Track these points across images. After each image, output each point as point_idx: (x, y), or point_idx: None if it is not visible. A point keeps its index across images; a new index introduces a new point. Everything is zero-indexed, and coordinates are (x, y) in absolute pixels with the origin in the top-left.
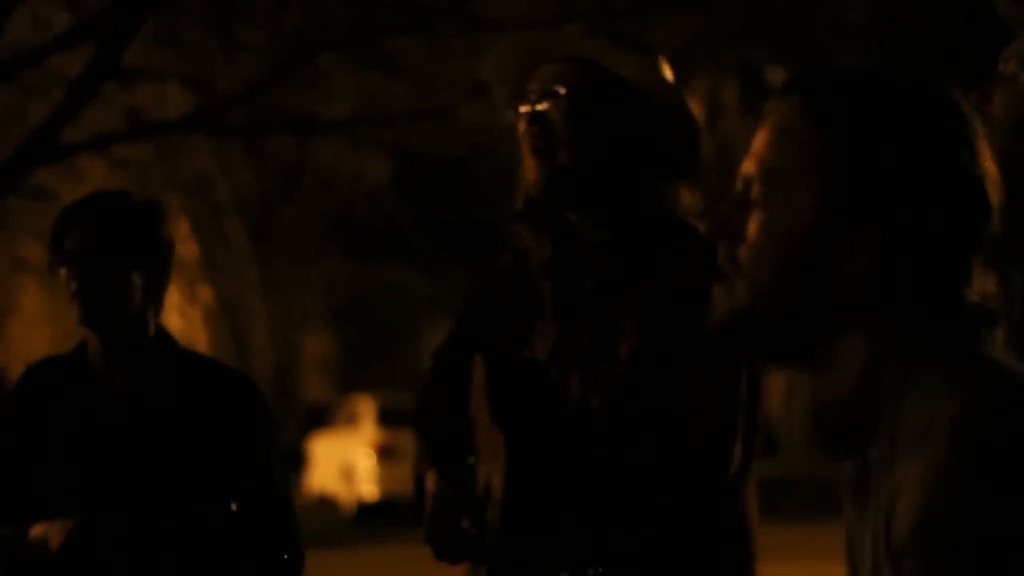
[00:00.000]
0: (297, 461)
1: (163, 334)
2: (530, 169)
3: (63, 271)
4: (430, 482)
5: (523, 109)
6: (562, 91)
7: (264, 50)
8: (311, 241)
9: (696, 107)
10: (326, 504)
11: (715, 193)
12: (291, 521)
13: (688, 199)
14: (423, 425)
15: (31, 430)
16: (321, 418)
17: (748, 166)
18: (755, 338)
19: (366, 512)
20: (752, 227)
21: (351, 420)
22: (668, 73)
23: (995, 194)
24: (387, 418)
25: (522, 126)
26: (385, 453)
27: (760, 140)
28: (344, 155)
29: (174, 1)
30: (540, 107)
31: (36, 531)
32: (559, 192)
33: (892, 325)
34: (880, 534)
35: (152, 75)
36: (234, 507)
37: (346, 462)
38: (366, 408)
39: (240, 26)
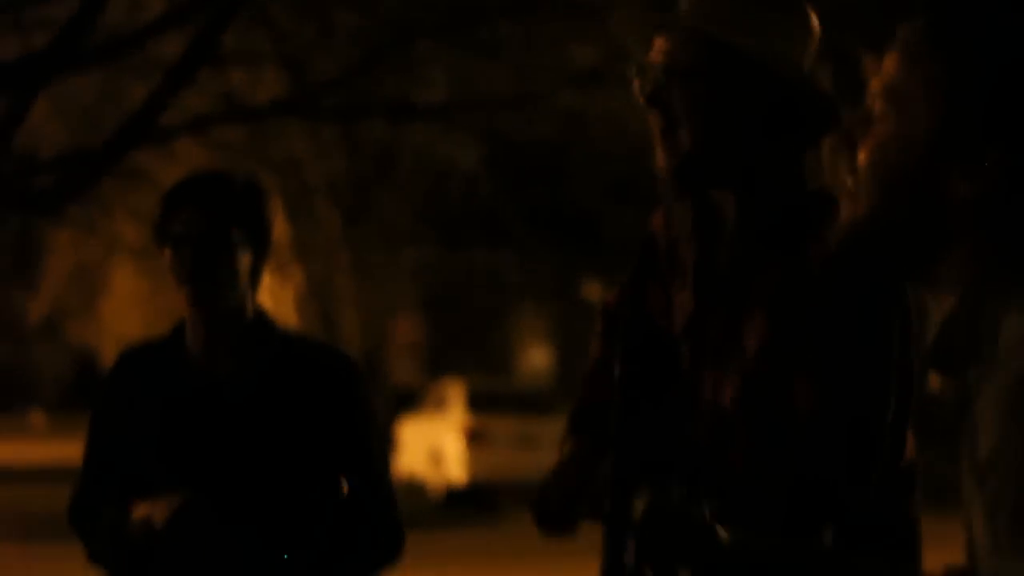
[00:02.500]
0: (386, 445)
1: (262, 315)
2: (658, 155)
3: (169, 252)
4: (565, 448)
5: (638, 86)
6: (675, 80)
7: (360, 34)
8: (403, 225)
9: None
10: (414, 488)
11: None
12: (393, 503)
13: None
14: (582, 385)
15: (130, 414)
16: (410, 402)
17: (875, 83)
18: (871, 250)
19: (454, 497)
20: (871, 140)
21: (441, 404)
22: (815, 24)
23: None
24: (477, 402)
25: (641, 99)
26: (474, 437)
27: (887, 61)
28: (438, 139)
29: None
30: (656, 87)
31: (140, 510)
32: (683, 174)
33: (998, 247)
34: (971, 453)
35: (248, 59)
36: (344, 488)
37: (435, 446)
38: (456, 392)
39: (336, 10)
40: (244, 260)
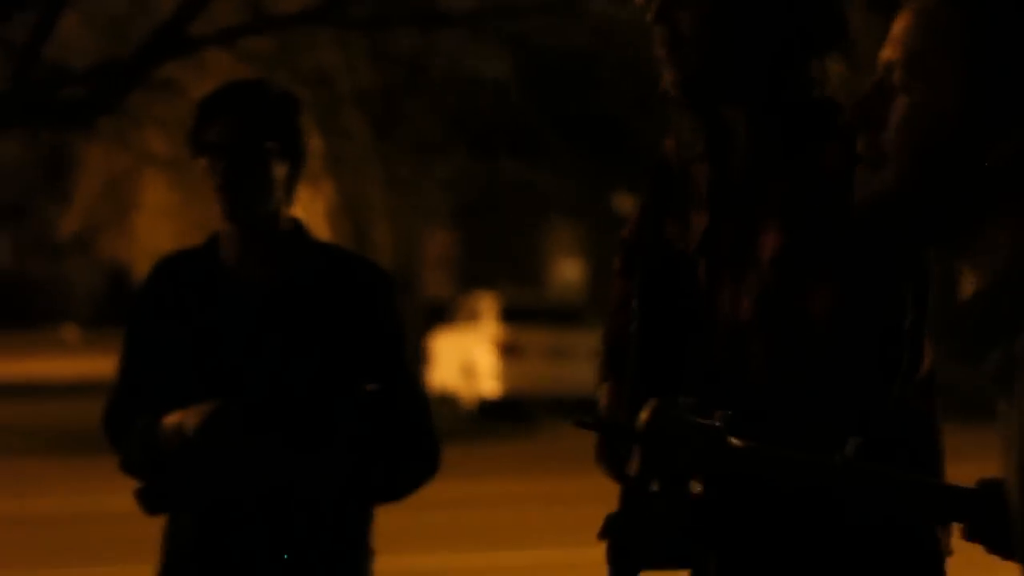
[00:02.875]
0: (418, 358)
1: (298, 225)
2: (666, 71)
3: (204, 162)
4: (602, 394)
5: (647, 3)
6: None
7: None
8: (433, 136)
9: None
10: (447, 401)
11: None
12: (428, 412)
13: (839, 74)
14: (607, 323)
15: (165, 324)
16: (442, 315)
17: (889, 52)
18: (902, 222)
19: (487, 409)
20: (896, 112)
21: (473, 317)
22: None
23: None
24: (509, 315)
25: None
26: (507, 350)
27: (901, 25)
28: (467, 48)
29: None
30: (663, 4)
31: (171, 418)
32: (692, 91)
33: None
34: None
35: None
36: (369, 388)
37: (468, 359)
38: (488, 305)
39: None
40: (279, 171)
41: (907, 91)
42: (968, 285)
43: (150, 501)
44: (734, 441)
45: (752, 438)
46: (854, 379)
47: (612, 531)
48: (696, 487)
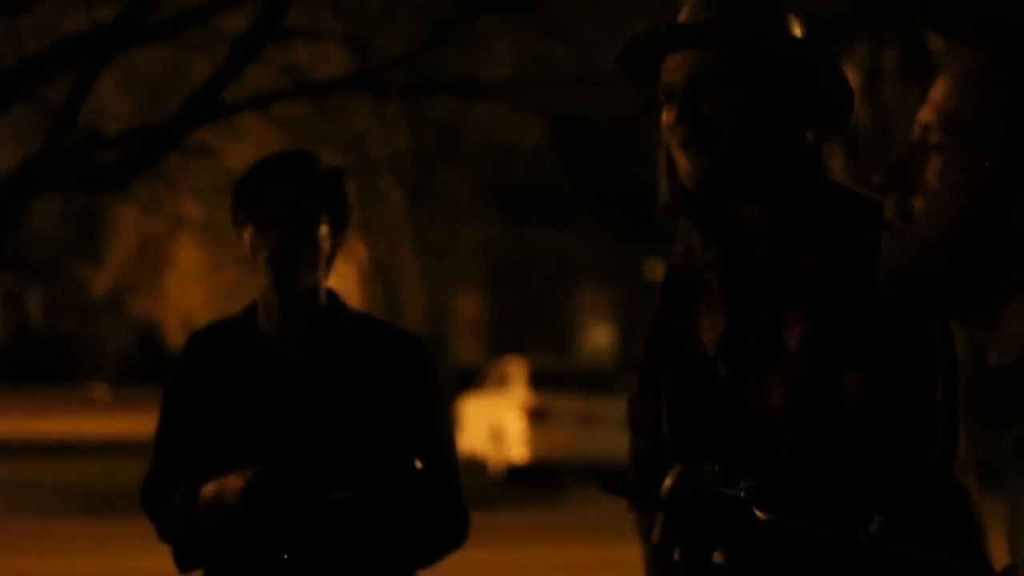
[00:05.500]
0: (452, 425)
1: (334, 297)
2: (683, 165)
3: (251, 232)
4: (634, 520)
5: (668, 108)
6: (703, 89)
7: (424, 10)
8: (466, 202)
9: (854, 75)
10: (475, 466)
11: (875, 163)
12: (458, 482)
13: (838, 162)
14: (632, 444)
15: (202, 395)
16: (472, 380)
17: (926, 113)
18: (927, 290)
19: (516, 474)
20: (931, 174)
21: (502, 382)
22: (796, 30)
23: None
24: (539, 380)
25: (667, 122)
26: (536, 416)
27: (940, 88)
28: (502, 116)
29: None
30: (685, 102)
31: (210, 486)
32: (716, 182)
33: None
34: None
35: (312, 35)
36: (418, 465)
37: (496, 424)
38: (518, 370)
39: None
40: (326, 243)
41: (945, 153)
42: (991, 359)
43: (186, 560)
44: (758, 513)
45: (778, 512)
46: (888, 455)
47: None
48: (719, 557)
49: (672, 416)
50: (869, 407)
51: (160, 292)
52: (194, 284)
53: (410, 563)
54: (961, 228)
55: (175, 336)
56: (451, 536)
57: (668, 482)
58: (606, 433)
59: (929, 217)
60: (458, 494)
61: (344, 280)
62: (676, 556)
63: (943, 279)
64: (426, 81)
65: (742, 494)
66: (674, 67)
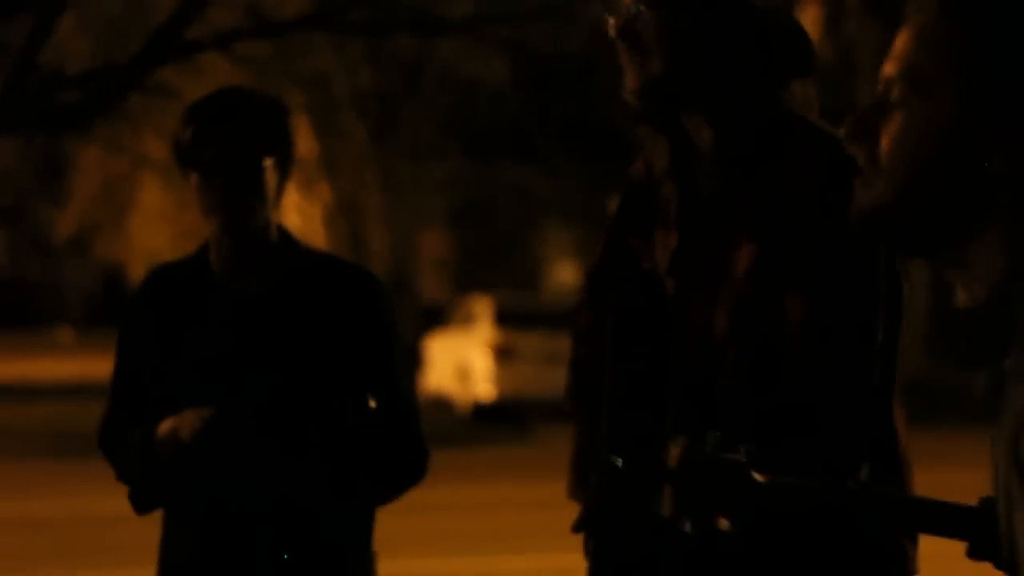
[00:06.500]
0: (413, 361)
1: (285, 233)
2: (628, 78)
3: (197, 178)
4: (574, 429)
5: (611, 22)
6: (643, 7)
7: None
8: (430, 140)
9: (816, 9)
10: (442, 404)
11: (838, 98)
12: (417, 420)
13: (805, 94)
14: (573, 352)
15: (157, 334)
16: (438, 318)
17: (889, 68)
18: (895, 233)
19: (482, 412)
20: (893, 126)
21: (468, 320)
22: None
23: None
24: (505, 318)
25: (610, 35)
26: (502, 353)
27: (901, 41)
28: (464, 53)
29: None
30: (626, 19)
31: (165, 424)
32: (654, 100)
33: None
34: (1010, 446)
35: None
36: (371, 403)
37: (463, 362)
38: (484, 308)
39: None
40: (272, 181)
41: (905, 106)
42: (961, 299)
43: (142, 502)
44: (757, 476)
45: (764, 466)
46: (822, 387)
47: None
48: (724, 524)
49: (616, 328)
50: (808, 336)
51: (124, 234)
52: (158, 225)
53: (369, 499)
54: (925, 175)
55: (140, 278)
56: (409, 473)
57: (675, 455)
58: None
59: (894, 165)
60: (416, 430)
61: (309, 219)
62: (687, 528)
63: (908, 222)
64: (388, 18)
65: (744, 459)
66: None
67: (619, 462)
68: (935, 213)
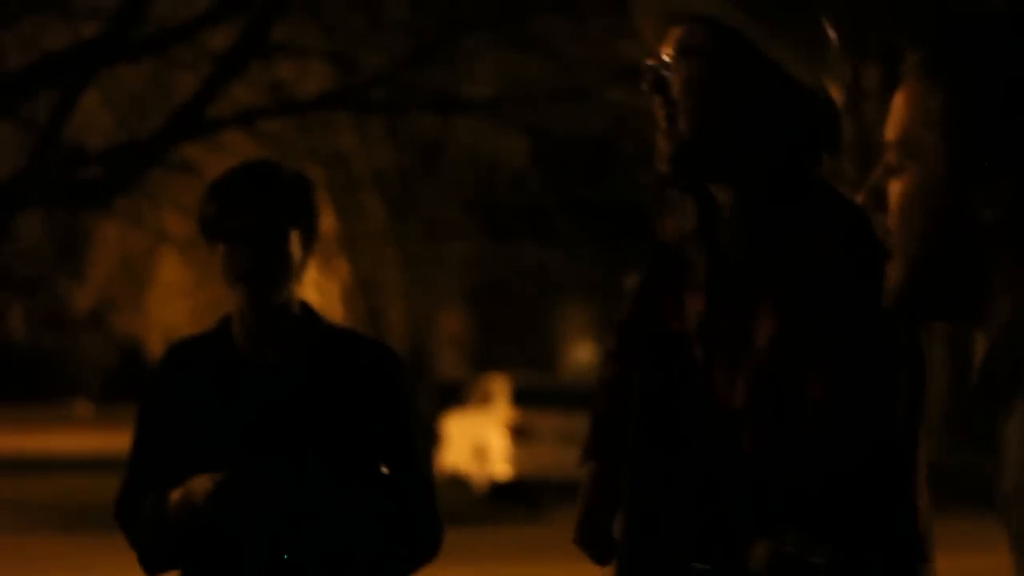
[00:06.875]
0: (430, 438)
1: (306, 308)
2: (659, 143)
3: (222, 249)
4: (586, 473)
5: (645, 77)
6: (669, 56)
7: (408, 28)
8: (449, 218)
9: (836, 91)
10: (458, 483)
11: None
12: (433, 497)
13: (835, 169)
14: (596, 403)
15: (176, 408)
16: (455, 396)
17: (888, 133)
18: (922, 300)
19: (499, 492)
20: (895, 192)
21: (486, 399)
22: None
23: None
24: (522, 398)
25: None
26: (519, 433)
27: (894, 107)
28: (485, 134)
29: None
30: (660, 69)
31: (178, 490)
32: (683, 166)
33: None
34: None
35: (296, 52)
36: (387, 476)
37: (479, 441)
38: (501, 387)
39: (384, 3)
40: (297, 254)
41: (901, 171)
42: (979, 351)
43: (152, 564)
44: None
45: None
46: (843, 467)
47: None
48: None
49: (641, 385)
50: (829, 415)
51: (142, 309)
52: (177, 301)
53: (382, 573)
54: (927, 235)
55: (158, 353)
56: (423, 548)
57: (762, 556)
58: None
59: (900, 234)
60: (431, 505)
61: (327, 296)
62: None
63: (929, 283)
64: (408, 98)
65: (820, 560)
66: (671, 36)
67: (703, 568)
68: (946, 271)
